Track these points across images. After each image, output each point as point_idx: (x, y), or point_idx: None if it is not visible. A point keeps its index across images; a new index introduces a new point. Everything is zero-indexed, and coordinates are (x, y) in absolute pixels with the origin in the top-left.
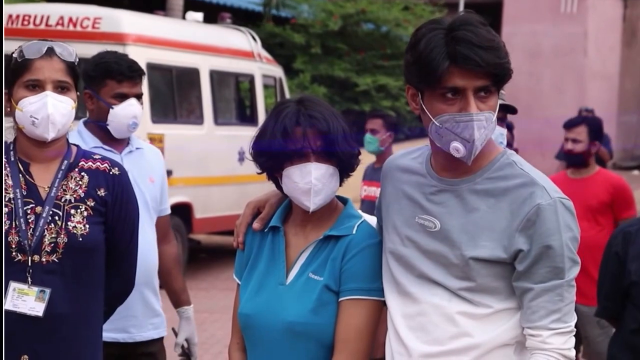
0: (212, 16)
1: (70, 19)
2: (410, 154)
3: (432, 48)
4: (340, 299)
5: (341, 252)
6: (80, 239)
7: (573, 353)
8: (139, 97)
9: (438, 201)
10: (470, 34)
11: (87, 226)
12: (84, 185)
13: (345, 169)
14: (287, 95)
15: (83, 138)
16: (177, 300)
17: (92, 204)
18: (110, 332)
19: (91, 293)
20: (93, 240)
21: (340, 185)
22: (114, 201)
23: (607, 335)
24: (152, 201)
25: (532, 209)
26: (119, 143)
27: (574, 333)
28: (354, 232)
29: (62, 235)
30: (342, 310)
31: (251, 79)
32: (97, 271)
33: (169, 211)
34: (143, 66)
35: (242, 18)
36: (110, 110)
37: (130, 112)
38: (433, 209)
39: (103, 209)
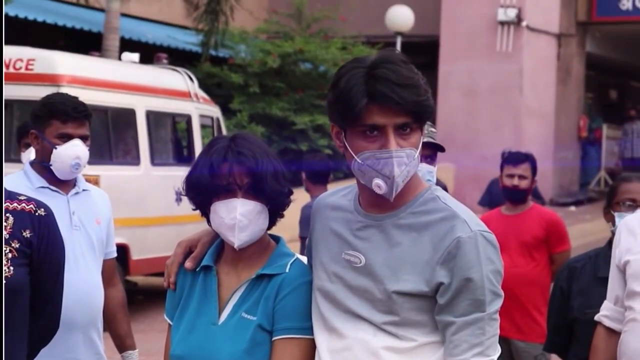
0: (149, 57)
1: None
2: (339, 191)
3: (351, 86)
4: (274, 339)
5: (274, 291)
6: (5, 282)
7: None
8: (84, 138)
9: (363, 236)
10: (388, 72)
11: (12, 268)
12: (8, 227)
13: (275, 208)
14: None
15: (29, 178)
16: (122, 344)
17: (17, 245)
18: None
19: (14, 335)
20: (17, 282)
21: (273, 224)
22: (40, 242)
23: None
24: (97, 242)
25: (452, 242)
26: (66, 184)
27: None
28: (287, 270)
29: None
30: (276, 350)
31: (188, 119)
32: (21, 313)
33: (114, 254)
34: None
35: (179, 58)
36: (54, 150)
37: (73, 153)
38: (358, 244)
39: (28, 251)
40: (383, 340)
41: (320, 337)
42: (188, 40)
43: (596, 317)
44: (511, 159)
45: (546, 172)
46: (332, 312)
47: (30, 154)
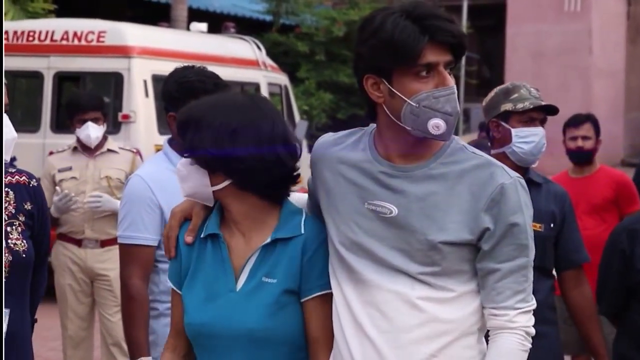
0: (216, 26)
1: (75, 34)
2: (342, 141)
3: (402, 27)
4: (311, 296)
5: (298, 252)
6: (24, 255)
7: (533, 330)
8: None
9: (392, 187)
10: (431, 10)
11: (25, 241)
12: (12, 201)
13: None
14: (294, 102)
15: (169, 158)
16: None
17: (23, 218)
18: None
19: (27, 308)
20: (31, 254)
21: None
22: (38, 213)
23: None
24: None
25: (495, 188)
26: None
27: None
28: (303, 231)
29: (6, 254)
30: (313, 308)
31: (257, 87)
32: (29, 285)
33: None
34: (148, 78)
35: (246, 27)
36: None
37: None
38: (386, 194)
39: (31, 223)
40: (421, 291)
41: (348, 290)
42: (254, 9)
43: None
44: (572, 121)
45: (617, 133)
46: (363, 263)
47: (87, 130)
